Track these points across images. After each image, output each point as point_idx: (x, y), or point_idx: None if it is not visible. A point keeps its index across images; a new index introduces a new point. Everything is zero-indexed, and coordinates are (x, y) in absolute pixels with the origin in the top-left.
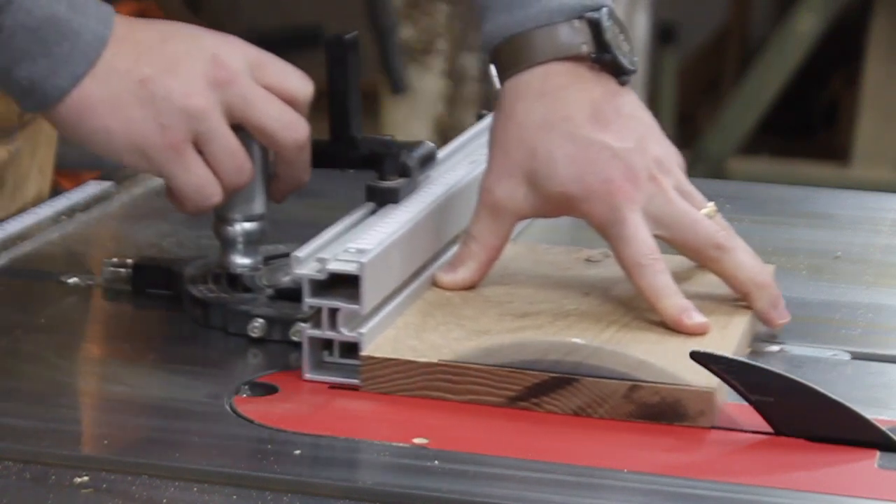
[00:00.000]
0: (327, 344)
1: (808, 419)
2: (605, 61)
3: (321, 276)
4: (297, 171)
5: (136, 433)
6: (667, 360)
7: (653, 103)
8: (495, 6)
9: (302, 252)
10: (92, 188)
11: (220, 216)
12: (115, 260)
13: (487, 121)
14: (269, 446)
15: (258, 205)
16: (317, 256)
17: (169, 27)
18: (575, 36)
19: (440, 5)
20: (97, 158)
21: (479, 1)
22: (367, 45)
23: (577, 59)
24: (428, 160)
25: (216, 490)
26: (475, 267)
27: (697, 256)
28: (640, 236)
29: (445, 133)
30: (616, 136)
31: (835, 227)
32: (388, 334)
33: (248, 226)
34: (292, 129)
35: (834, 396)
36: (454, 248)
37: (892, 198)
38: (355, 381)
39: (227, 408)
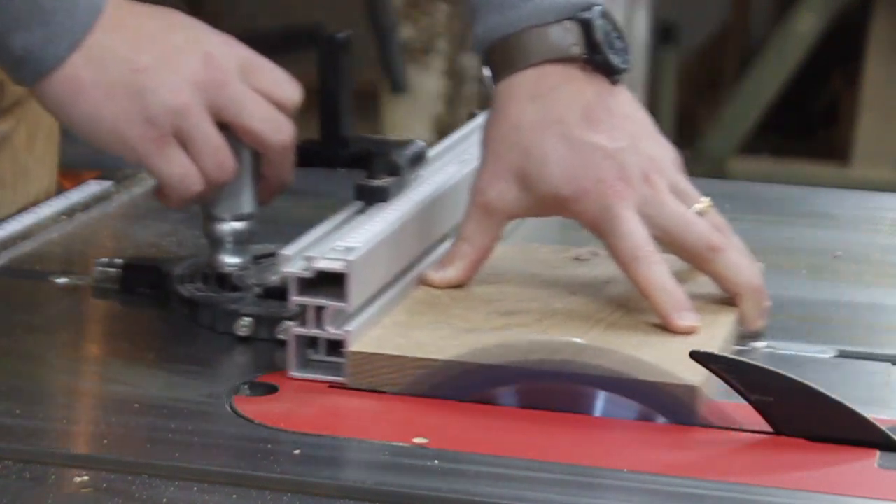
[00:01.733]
0: (313, 342)
1: (808, 419)
2: (596, 62)
3: (308, 274)
4: (281, 172)
5: (136, 433)
6: (651, 358)
7: (653, 103)
8: (486, 7)
9: (289, 250)
10: (92, 188)
11: (210, 215)
12: (105, 260)
13: (479, 120)
14: (269, 446)
15: (247, 204)
16: (304, 255)
17: (169, 17)
18: (566, 37)
19: (440, 5)
20: (97, 158)
21: (471, 2)
22: (367, 45)
23: (568, 59)
24: (418, 159)
25: (216, 490)
26: (465, 266)
27: (691, 258)
28: (636, 231)
29: (445, 133)
30: (608, 136)
31: (835, 227)
32: (374, 333)
33: (236, 225)
34: (278, 131)
35: (834, 396)
36: (444, 247)
37: (892, 198)
38: (341, 379)
39: (227, 407)
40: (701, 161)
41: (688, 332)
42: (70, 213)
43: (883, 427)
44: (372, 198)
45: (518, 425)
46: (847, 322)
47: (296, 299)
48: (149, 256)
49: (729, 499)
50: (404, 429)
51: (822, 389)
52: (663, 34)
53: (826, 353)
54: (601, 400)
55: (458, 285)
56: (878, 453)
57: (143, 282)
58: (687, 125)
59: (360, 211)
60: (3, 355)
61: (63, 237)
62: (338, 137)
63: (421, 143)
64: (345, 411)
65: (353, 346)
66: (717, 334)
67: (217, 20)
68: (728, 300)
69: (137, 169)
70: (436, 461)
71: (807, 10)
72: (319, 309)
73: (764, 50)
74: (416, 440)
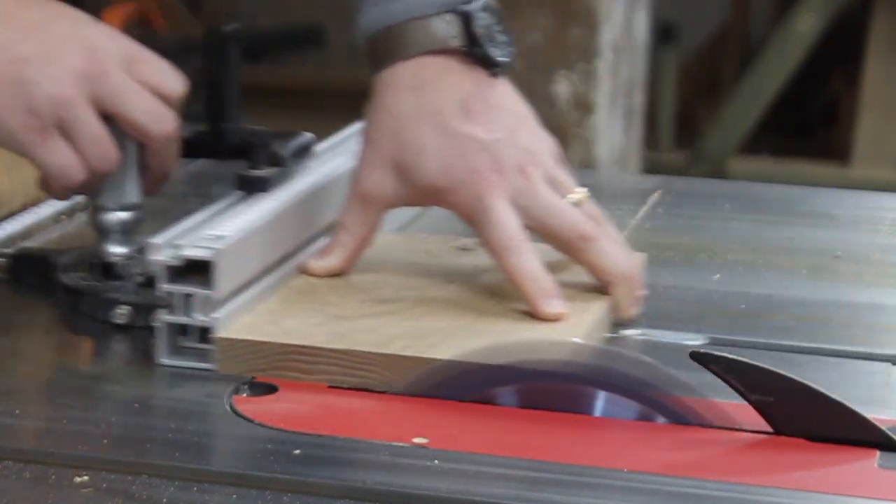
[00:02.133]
0: (185, 329)
1: (808, 419)
2: (475, 54)
3: (176, 263)
4: (165, 162)
5: (136, 433)
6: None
7: (653, 103)
8: None
9: (159, 239)
10: None
11: (96, 205)
12: None
13: None
14: (269, 446)
15: (132, 194)
16: (173, 243)
17: (52, 7)
18: (446, 29)
19: None
20: None
21: None
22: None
23: (448, 51)
24: (303, 151)
25: (216, 490)
26: (344, 255)
27: (563, 246)
28: (507, 221)
29: None
30: (485, 128)
31: (835, 227)
32: (245, 319)
33: (122, 215)
34: (160, 122)
35: (834, 396)
36: (327, 238)
37: (892, 198)
38: (210, 366)
39: (227, 407)
40: (701, 161)
41: (555, 319)
42: (70, 213)
43: (883, 427)
44: (252, 188)
45: (518, 425)
46: (847, 322)
47: (164, 287)
48: (39, 247)
49: (729, 499)
50: (404, 429)
51: (822, 389)
52: (663, 34)
53: (697, 339)
54: (601, 400)
55: (338, 274)
56: (878, 453)
57: (30, 272)
58: (687, 125)
59: (240, 201)
60: (5, 355)
61: (63, 237)
62: (217, 129)
63: (308, 136)
64: (345, 411)
65: (222, 332)
66: (583, 321)
67: (217, 20)
68: (602, 289)
69: None
70: (436, 461)
71: (807, 10)
72: (188, 296)
73: (764, 50)
74: (416, 440)
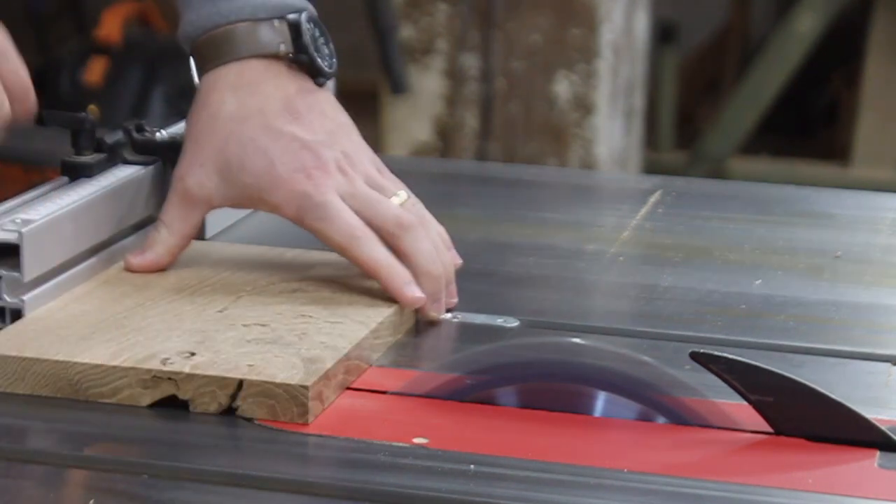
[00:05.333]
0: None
1: (808, 419)
2: (302, 62)
3: None
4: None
5: (136, 433)
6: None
7: (653, 103)
8: None
9: None
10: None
11: None
12: None
13: None
14: (269, 446)
15: None
16: None
17: None
18: (274, 35)
19: (440, 5)
20: None
21: None
22: (368, 45)
23: (275, 57)
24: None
25: (216, 490)
26: (162, 251)
27: (381, 234)
28: (345, 212)
29: (445, 133)
30: (307, 128)
31: (835, 227)
32: (19, 327)
33: None
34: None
35: (834, 396)
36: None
37: (892, 198)
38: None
39: None
40: (701, 161)
41: (419, 304)
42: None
43: (883, 427)
44: (76, 173)
45: (518, 425)
46: (847, 322)
47: None
48: None
49: (729, 499)
50: (404, 429)
51: (822, 389)
52: (663, 34)
53: (511, 322)
54: (601, 400)
55: (157, 270)
56: (878, 453)
57: None
58: (687, 125)
59: (63, 186)
60: None
61: None
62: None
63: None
64: (344, 411)
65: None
66: (378, 312)
67: None
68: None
69: None
70: (436, 461)
71: (807, 10)
72: None
73: (764, 50)
74: (416, 440)
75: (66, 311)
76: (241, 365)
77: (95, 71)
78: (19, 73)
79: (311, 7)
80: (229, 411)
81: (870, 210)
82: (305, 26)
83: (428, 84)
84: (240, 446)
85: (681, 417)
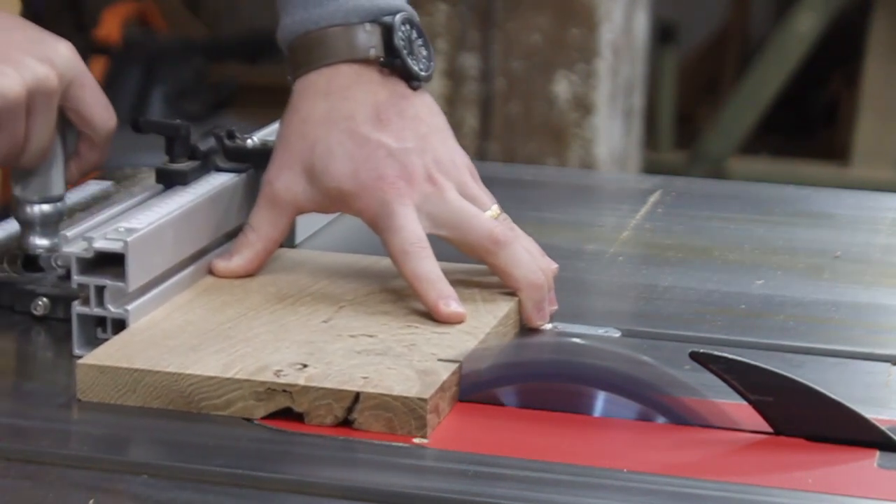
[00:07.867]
0: (102, 321)
1: (807, 419)
2: (394, 66)
3: (87, 255)
4: (99, 154)
5: (136, 433)
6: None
7: (653, 103)
8: (293, 2)
9: (71, 231)
10: (91, 188)
11: (19, 198)
12: None
13: None
14: (269, 446)
15: (56, 187)
16: (85, 235)
17: (9, 21)
18: (366, 39)
19: (440, 5)
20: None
21: None
22: None
23: (366, 62)
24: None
25: (216, 490)
26: (251, 256)
27: (475, 251)
28: (408, 226)
29: None
30: (395, 136)
31: (835, 226)
32: (115, 344)
33: (45, 207)
34: (110, 114)
35: (834, 396)
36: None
37: (892, 198)
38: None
39: None
40: (701, 161)
41: (454, 320)
42: (70, 213)
43: (883, 427)
44: (170, 181)
45: (518, 425)
46: (847, 322)
47: (76, 279)
48: None
49: (729, 499)
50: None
51: (822, 389)
52: (663, 34)
53: (612, 332)
54: (601, 400)
55: (245, 275)
56: (878, 453)
57: None
58: (687, 125)
59: (159, 194)
60: (5, 355)
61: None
62: (132, 122)
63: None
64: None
65: (90, 356)
66: (484, 322)
67: (217, 20)
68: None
69: (137, 168)
70: (436, 461)
71: (807, 10)
72: (101, 288)
73: (764, 50)
74: (416, 440)
75: (170, 321)
76: (355, 377)
77: (95, 71)
78: (109, 108)
79: (408, 8)
80: (344, 423)
81: (869, 210)
82: (399, 29)
83: (428, 84)
84: (240, 446)
85: (681, 417)
